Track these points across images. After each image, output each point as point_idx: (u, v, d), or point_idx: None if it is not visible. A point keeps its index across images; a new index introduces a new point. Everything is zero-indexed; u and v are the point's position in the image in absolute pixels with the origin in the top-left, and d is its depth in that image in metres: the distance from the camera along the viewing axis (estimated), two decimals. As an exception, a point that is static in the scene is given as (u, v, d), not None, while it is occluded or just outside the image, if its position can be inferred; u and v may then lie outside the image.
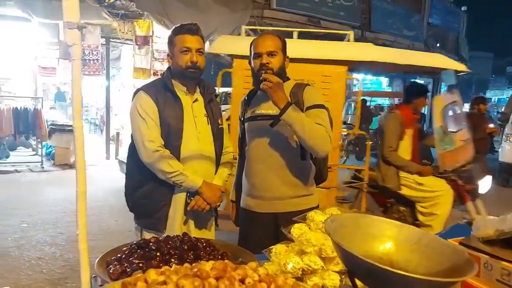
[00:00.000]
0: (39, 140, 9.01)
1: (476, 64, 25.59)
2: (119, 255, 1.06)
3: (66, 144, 8.73)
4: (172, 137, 1.98)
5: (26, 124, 8.31)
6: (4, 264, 3.89)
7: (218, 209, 2.22)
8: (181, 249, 1.09)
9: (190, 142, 2.01)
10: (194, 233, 2.05)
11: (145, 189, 2.01)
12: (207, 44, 9.60)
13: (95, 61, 9.83)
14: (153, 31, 9.30)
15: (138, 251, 1.05)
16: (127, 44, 10.10)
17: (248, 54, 2.13)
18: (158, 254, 1.02)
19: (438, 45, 17.14)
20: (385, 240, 1.13)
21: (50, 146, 9.27)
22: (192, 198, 2.01)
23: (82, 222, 1.06)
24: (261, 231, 2.10)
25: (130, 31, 9.38)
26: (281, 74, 2.05)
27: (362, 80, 16.71)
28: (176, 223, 2.02)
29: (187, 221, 2.06)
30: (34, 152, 9.70)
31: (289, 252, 1.44)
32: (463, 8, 19.68)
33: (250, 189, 2.18)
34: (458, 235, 1.60)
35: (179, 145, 1.99)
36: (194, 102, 2.08)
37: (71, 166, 8.66)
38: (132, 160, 2.07)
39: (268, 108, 2.07)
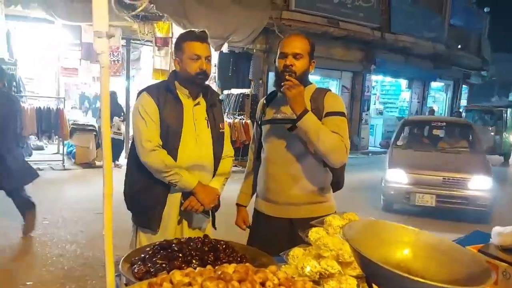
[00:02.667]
0: (60, 139, 9.21)
1: (499, 66, 25.05)
2: (142, 255, 1.10)
3: (87, 143, 8.92)
4: (170, 138, 2.00)
5: (48, 123, 8.50)
6: (27, 260, 4.01)
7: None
8: (202, 250, 1.12)
9: (188, 144, 2.03)
10: (188, 234, 2.05)
11: (141, 187, 2.04)
12: (225, 44, 9.71)
13: (116, 62, 10.01)
14: (172, 33, 9.42)
15: (161, 251, 1.09)
16: (147, 45, 10.27)
17: None
18: (180, 255, 1.06)
19: (459, 46, 16.87)
20: (403, 247, 1.14)
21: (72, 145, 9.47)
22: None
23: (108, 223, 1.10)
24: (275, 235, 2.05)
25: (150, 32, 9.54)
26: (304, 78, 2.02)
27: (380, 82, 16.60)
28: (171, 223, 2.03)
29: (181, 221, 2.07)
30: (56, 151, 9.92)
31: (306, 255, 1.46)
32: (485, 9, 19.31)
33: (265, 192, 2.15)
34: (477, 242, 1.59)
35: (177, 146, 2.01)
36: (195, 105, 2.09)
37: (91, 165, 8.84)
38: (131, 159, 2.10)
39: (288, 112, 2.02)
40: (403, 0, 13.87)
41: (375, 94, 16.52)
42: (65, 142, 9.26)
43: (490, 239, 1.46)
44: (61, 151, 9.29)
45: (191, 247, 1.11)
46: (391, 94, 17.70)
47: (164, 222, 2.03)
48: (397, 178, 6.31)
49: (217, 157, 2.15)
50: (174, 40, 9.74)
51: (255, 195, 2.29)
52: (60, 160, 8.87)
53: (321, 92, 2.09)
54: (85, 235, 4.73)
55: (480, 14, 18.86)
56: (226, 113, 9.84)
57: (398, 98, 17.64)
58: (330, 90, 2.16)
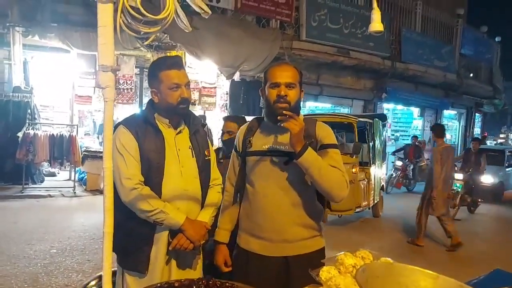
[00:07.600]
0: (72, 165, 9.25)
1: (511, 94, 24.85)
2: (143, 298, 1.04)
3: (98, 170, 8.92)
4: (152, 173, 1.88)
5: (61, 150, 8.56)
6: (32, 290, 3.94)
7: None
8: (206, 293, 1.06)
9: (172, 178, 1.91)
10: (177, 273, 1.92)
11: (125, 228, 1.87)
12: (237, 73, 9.81)
13: (129, 90, 10.14)
14: (185, 62, 9.54)
15: (162, 295, 1.03)
16: (160, 74, 10.39)
17: None
18: (182, 299, 1.00)
19: (471, 75, 16.82)
20: (420, 292, 1.07)
21: (83, 171, 9.50)
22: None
23: (108, 263, 1.05)
24: (270, 275, 1.91)
25: (163, 61, 9.67)
26: (297, 108, 1.93)
27: (392, 110, 16.52)
28: (159, 264, 1.91)
29: (169, 261, 1.94)
30: (68, 178, 9.96)
31: (317, 297, 1.39)
32: (497, 39, 19.33)
33: (256, 230, 1.97)
34: (499, 283, 1.50)
35: (160, 181, 1.88)
36: (177, 134, 1.99)
37: (101, 192, 8.81)
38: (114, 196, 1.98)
39: (280, 143, 1.91)
40: (413, 30, 13.96)
41: (387, 122, 16.39)
42: (77, 168, 9.29)
43: (513, 281, 1.37)
44: (72, 178, 9.31)
45: (194, 290, 1.04)
46: (403, 122, 17.59)
47: (151, 263, 1.89)
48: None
49: (205, 187, 2.04)
50: (186, 69, 9.92)
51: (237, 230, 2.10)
52: (71, 187, 8.88)
53: (311, 122, 1.99)
54: (92, 264, 4.66)
55: (491, 43, 18.84)
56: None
57: (410, 126, 17.50)
58: (317, 120, 2.06)
